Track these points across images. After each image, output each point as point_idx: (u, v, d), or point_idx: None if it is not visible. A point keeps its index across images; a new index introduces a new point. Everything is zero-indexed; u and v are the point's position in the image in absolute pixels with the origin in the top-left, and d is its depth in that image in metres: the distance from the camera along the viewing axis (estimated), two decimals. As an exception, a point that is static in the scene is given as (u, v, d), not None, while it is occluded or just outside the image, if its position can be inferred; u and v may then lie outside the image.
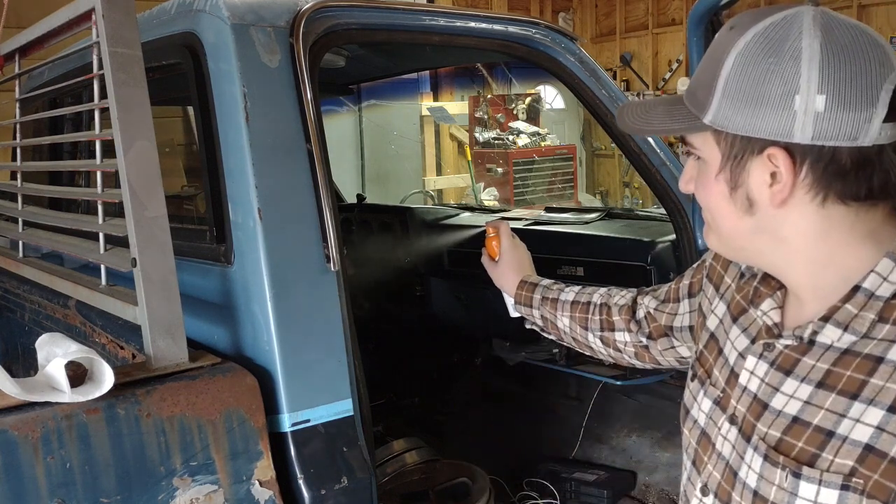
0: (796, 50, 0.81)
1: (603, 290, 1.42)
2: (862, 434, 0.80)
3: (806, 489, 0.83)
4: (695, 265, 1.23)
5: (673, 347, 1.27)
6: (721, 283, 1.11)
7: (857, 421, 0.81)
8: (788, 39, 0.82)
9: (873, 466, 0.79)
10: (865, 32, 0.83)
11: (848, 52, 0.80)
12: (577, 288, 1.45)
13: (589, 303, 1.40)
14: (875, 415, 0.79)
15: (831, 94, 0.79)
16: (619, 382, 2.36)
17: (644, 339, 1.31)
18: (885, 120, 0.80)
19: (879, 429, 0.79)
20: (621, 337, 1.35)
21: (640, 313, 1.32)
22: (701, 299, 1.16)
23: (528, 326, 1.55)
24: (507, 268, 1.55)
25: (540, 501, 2.63)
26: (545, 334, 1.53)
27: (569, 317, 1.42)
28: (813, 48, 0.80)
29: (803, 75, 0.80)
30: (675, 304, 1.25)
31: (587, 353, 1.47)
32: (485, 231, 1.62)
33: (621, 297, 1.37)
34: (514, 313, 1.56)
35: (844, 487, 0.80)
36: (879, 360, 0.81)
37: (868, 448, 0.79)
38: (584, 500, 2.64)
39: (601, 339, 1.38)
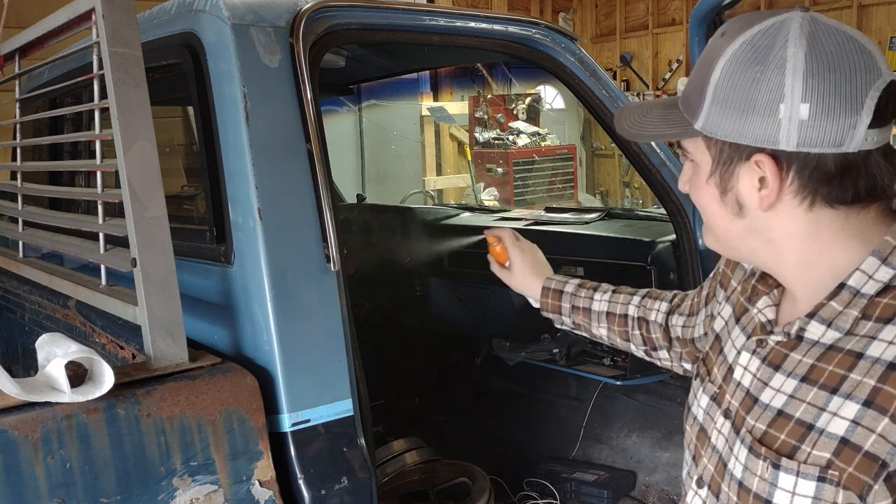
0: (781, 59, 0.82)
1: (636, 299, 1.39)
2: (838, 427, 0.82)
3: (785, 480, 0.85)
4: (711, 274, 1.25)
5: None
6: (728, 287, 1.13)
7: (835, 414, 0.83)
8: (774, 48, 0.83)
9: (848, 459, 0.81)
10: (853, 38, 0.83)
11: (833, 60, 0.81)
12: (607, 296, 1.42)
13: (626, 315, 1.39)
14: (851, 409, 0.81)
15: (815, 103, 0.81)
16: (619, 382, 2.36)
17: (686, 365, 1.33)
18: (871, 126, 0.81)
19: (855, 422, 0.81)
20: (664, 355, 1.36)
21: (674, 334, 1.33)
22: (713, 305, 1.19)
23: (557, 326, 1.52)
24: (523, 274, 1.51)
25: (540, 501, 2.63)
26: (576, 332, 1.51)
27: (606, 328, 1.41)
28: (797, 57, 0.81)
29: (788, 84, 0.81)
30: (696, 316, 1.27)
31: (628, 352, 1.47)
32: (485, 236, 1.55)
33: (657, 311, 1.35)
34: (537, 306, 1.52)
35: (821, 479, 0.82)
36: (860, 355, 0.83)
37: (843, 441, 0.81)
38: (584, 500, 2.64)
39: (645, 352, 1.40)
